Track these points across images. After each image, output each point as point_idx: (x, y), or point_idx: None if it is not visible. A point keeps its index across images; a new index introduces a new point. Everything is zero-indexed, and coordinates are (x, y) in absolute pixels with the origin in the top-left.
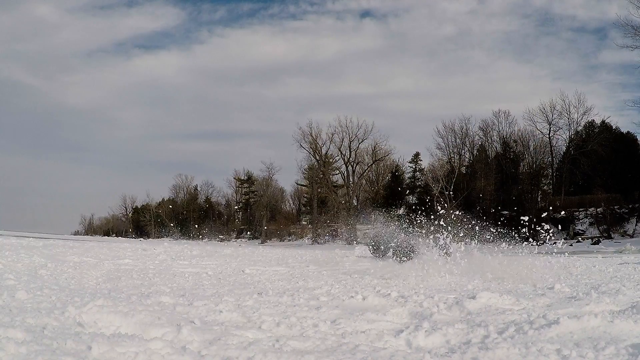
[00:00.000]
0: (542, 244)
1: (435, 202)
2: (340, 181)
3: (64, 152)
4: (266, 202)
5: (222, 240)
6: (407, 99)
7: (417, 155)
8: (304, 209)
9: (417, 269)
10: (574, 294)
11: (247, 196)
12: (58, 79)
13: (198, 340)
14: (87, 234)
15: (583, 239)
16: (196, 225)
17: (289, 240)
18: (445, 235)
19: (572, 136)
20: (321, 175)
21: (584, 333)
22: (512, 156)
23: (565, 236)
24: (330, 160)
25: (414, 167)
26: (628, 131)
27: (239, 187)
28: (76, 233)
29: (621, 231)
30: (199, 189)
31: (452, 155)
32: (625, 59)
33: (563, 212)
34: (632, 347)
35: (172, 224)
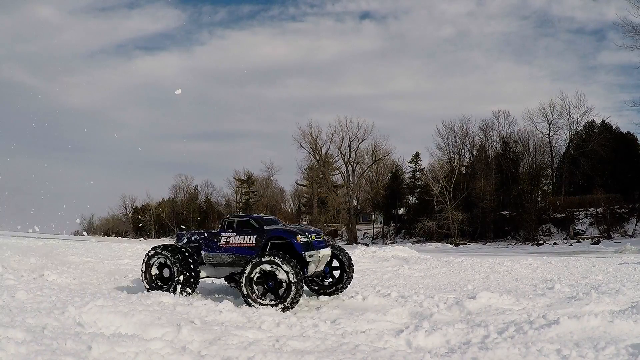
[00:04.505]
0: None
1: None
2: (340, 181)
3: (64, 152)
4: (266, 202)
5: None
6: (406, 100)
7: (417, 155)
8: (304, 209)
9: None
10: (574, 294)
11: (247, 196)
12: (59, 80)
13: (198, 340)
14: (87, 234)
15: (583, 239)
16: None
17: None
18: None
19: (572, 136)
20: (321, 175)
21: (584, 333)
22: (512, 156)
23: (565, 236)
24: (330, 160)
25: (414, 167)
26: (628, 131)
27: (239, 187)
28: (76, 233)
29: (621, 231)
30: (199, 189)
31: (452, 155)
32: (623, 60)
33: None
34: (632, 347)
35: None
